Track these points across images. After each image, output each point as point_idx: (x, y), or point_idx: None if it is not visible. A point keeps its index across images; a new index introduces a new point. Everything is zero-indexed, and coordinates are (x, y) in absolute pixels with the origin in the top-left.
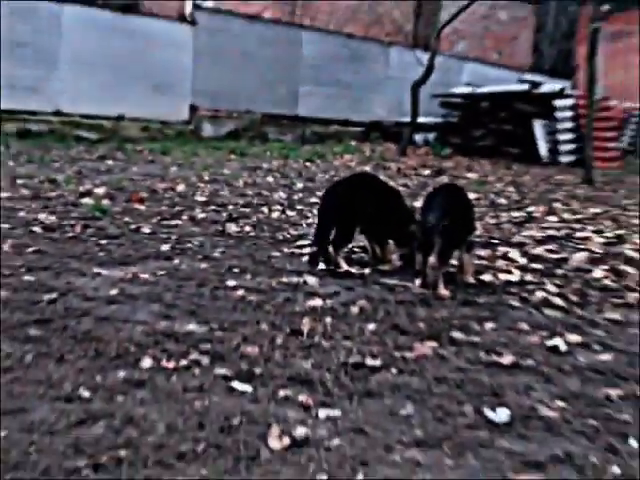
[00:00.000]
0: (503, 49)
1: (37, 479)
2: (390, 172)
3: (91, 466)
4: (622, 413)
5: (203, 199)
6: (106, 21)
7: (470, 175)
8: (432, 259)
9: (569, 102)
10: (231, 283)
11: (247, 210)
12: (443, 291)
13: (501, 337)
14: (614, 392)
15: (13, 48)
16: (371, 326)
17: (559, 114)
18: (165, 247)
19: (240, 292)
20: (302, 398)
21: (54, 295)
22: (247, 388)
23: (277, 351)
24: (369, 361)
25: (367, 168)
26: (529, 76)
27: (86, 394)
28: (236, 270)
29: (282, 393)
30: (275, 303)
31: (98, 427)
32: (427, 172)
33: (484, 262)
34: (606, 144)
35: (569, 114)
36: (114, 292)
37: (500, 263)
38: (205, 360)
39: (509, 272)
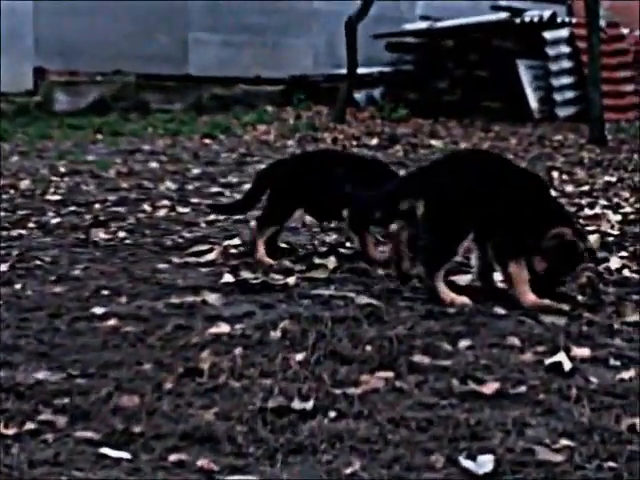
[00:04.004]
0: None
1: None
2: (325, 145)
3: None
4: None
5: (57, 198)
6: None
7: (434, 142)
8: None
9: (564, 33)
10: (99, 311)
11: (121, 209)
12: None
13: (481, 358)
14: None
15: None
16: (299, 356)
17: (551, 51)
18: (2, 267)
19: (112, 322)
20: (202, 462)
21: None
22: (123, 455)
23: (166, 400)
24: (297, 404)
25: (290, 142)
26: (506, 1)
27: None
28: (106, 292)
29: (173, 457)
30: (162, 334)
31: None
32: (375, 142)
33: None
34: (620, 87)
35: (565, 50)
36: None
37: None
38: (61, 420)
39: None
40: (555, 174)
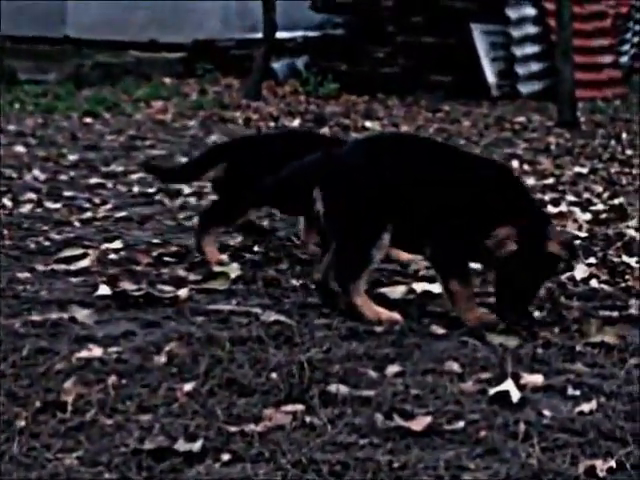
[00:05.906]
0: None
1: None
2: (235, 127)
3: None
4: None
5: None
6: None
7: (370, 124)
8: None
9: None
10: None
11: None
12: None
13: (412, 387)
14: (602, 464)
15: None
16: (188, 386)
17: (513, 13)
18: None
19: None
20: None
21: None
22: None
23: (17, 441)
24: (182, 445)
25: (192, 122)
26: None
27: None
28: None
29: None
30: (17, 359)
31: None
32: (297, 123)
33: (389, 265)
34: (596, 59)
35: (530, 12)
36: None
37: (418, 264)
38: None
39: (432, 278)
40: (515, 163)
